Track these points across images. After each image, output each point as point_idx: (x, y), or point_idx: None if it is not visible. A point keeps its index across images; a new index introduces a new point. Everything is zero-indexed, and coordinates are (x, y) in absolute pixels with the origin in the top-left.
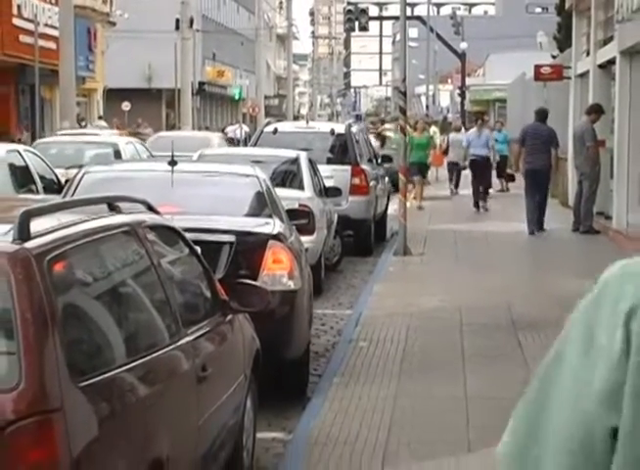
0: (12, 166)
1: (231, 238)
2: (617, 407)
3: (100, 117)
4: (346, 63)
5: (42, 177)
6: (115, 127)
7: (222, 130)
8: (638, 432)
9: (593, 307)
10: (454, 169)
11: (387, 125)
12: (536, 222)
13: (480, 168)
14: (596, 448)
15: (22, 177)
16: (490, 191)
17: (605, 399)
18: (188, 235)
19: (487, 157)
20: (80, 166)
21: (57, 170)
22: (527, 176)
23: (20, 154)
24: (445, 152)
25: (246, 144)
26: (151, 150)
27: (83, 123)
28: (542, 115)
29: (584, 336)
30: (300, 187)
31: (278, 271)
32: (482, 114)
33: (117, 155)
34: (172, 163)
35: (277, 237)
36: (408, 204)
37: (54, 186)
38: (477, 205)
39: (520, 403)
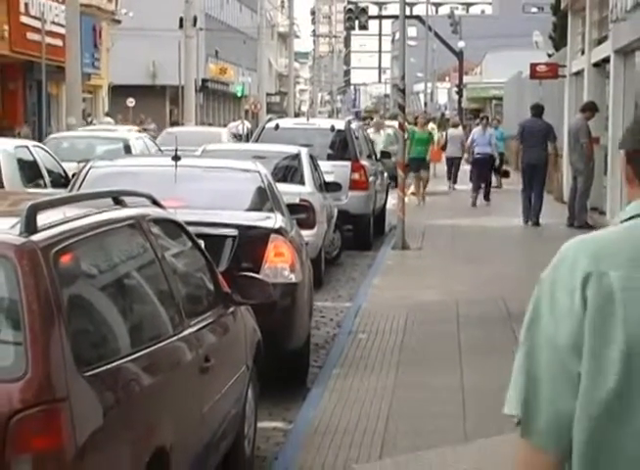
0: (20, 161)
1: (234, 232)
2: (580, 357)
3: (107, 114)
4: (346, 61)
5: (50, 172)
6: (137, 123)
7: (224, 127)
8: (593, 383)
9: (555, 273)
10: (452, 165)
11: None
12: (533, 215)
13: (484, 166)
14: (574, 381)
15: (30, 172)
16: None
17: (570, 350)
18: (192, 229)
19: (491, 155)
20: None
21: (69, 164)
22: (525, 170)
23: (28, 149)
24: (443, 148)
25: (248, 140)
26: (161, 145)
27: (90, 119)
28: (538, 110)
29: (550, 297)
30: (301, 182)
31: (280, 264)
32: (479, 111)
33: (128, 150)
34: (176, 158)
35: (279, 231)
36: (406, 199)
37: (61, 180)
38: (474, 203)
39: (516, 359)
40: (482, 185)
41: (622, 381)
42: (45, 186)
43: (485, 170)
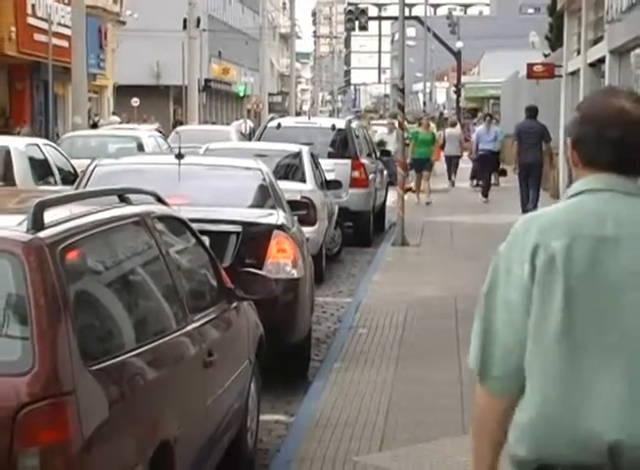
0: (32, 159)
1: (237, 228)
2: (528, 317)
3: (114, 113)
4: (347, 61)
5: (60, 169)
6: (141, 122)
7: (227, 126)
8: (539, 332)
9: (509, 247)
10: (452, 163)
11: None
12: (531, 204)
13: (489, 162)
14: (523, 337)
15: (41, 169)
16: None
17: (521, 311)
18: (196, 225)
19: (495, 151)
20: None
21: (84, 161)
22: (522, 169)
23: (39, 147)
24: (442, 146)
25: (250, 138)
26: (173, 143)
27: (97, 118)
28: (533, 112)
29: (505, 269)
30: (303, 180)
31: (282, 260)
32: (477, 110)
33: (140, 147)
34: (179, 156)
35: (281, 227)
36: (406, 197)
37: (71, 178)
38: (486, 195)
39: (475, 321)
40: (482, 181)
41: (563, 330)
42: (55, 183)
43: (490, 166)
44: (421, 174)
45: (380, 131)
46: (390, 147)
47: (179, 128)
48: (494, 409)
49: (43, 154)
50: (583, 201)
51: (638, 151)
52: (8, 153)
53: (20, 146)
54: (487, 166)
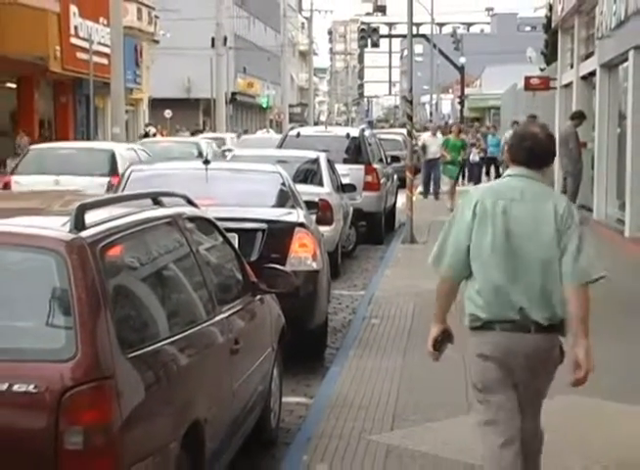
0: (130, 159)
1: (263, 226)
2: (470, 237)
3: (150, 124)
4: (360, 75)
5: None
6: (174, 133)
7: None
8: (478, 247)
9: (465, 199)
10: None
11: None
12: None
13: (494, 165)
14: (465, 248)
15: None
16: None
17: (466, 233)
18: (225, 224)
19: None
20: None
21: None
22: None
23: (135, 151)
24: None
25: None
26: (238, 148)
27: (148, 129)
28: (533, 119)
29: (461, 211)
30: (320, 184)
31: (303, 254)
32: (478, 120)
33: (200, 152)
34: (206, 161)
35: (302, 225)
36: (414, 198)
37: None
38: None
39: (438, 238)
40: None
41: (491, 247)
42: None
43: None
44: (456, 181)
45: (424, 136)
46: (432, 150)
47: (243, 137)
48: (444, 288)
49: (137, 155)
50: (507, 180)
51: (540, 156)
52: (113, 155)
53: (122, 151)
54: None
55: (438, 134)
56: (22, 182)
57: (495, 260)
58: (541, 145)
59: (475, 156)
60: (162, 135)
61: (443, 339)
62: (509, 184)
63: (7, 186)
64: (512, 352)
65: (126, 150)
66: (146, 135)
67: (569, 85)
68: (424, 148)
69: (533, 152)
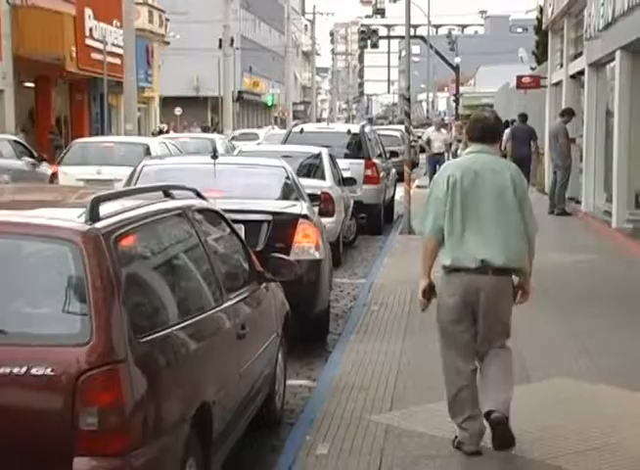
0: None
1: (268, 217)
2: (445, 204)
3: (162, 122)
4: (360, 74)
5: None
6: (183, 128)
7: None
8: (451, 214)
9: (439, 173)
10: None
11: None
12: None
13: None
14: (442, 213)
15: None
16: None
17: (442, 201)
18: (232, 215)
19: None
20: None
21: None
22: (515, 162)
23: (166, 144)
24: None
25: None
26: (265, 143)
27: (162, 126)
28: (523, 117)
29: (437, 183)
30: (322, 177)
31: (306, 244)
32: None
33: (214, 148)
34: (214, 156)
35: (306, 216)
36: (411, 191)
37: None
38: None
39: (421, 210)
40: None
41: (461, 215)
42: None
43: None
44: None
45: (429, 130)
46: (437, 144)
47: (272, 131)
48: (428, 246)
49: (168, 148)
50: (470, 156)
51: (491, 133)
52: (148, 148)
53: (155, 143)
54: None
55: (442, 129)
56: (68, 172)
57: (465, 221)
58: (490, 124)
59: (461, 151)
60: (175, 131)
61: (430, 290)
62: (473, 159)
63: (55, 176)
64: (474, 289)
65: (159, 144)
66: (160, 132)
67: (558, 84)
68: (428, 142)
69: (484, 130)
